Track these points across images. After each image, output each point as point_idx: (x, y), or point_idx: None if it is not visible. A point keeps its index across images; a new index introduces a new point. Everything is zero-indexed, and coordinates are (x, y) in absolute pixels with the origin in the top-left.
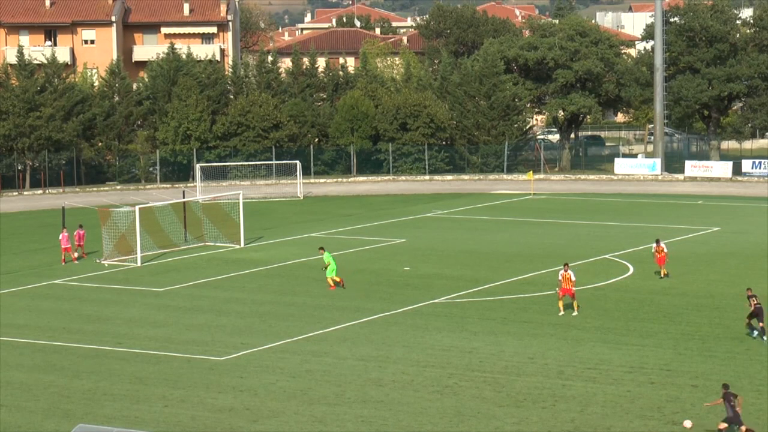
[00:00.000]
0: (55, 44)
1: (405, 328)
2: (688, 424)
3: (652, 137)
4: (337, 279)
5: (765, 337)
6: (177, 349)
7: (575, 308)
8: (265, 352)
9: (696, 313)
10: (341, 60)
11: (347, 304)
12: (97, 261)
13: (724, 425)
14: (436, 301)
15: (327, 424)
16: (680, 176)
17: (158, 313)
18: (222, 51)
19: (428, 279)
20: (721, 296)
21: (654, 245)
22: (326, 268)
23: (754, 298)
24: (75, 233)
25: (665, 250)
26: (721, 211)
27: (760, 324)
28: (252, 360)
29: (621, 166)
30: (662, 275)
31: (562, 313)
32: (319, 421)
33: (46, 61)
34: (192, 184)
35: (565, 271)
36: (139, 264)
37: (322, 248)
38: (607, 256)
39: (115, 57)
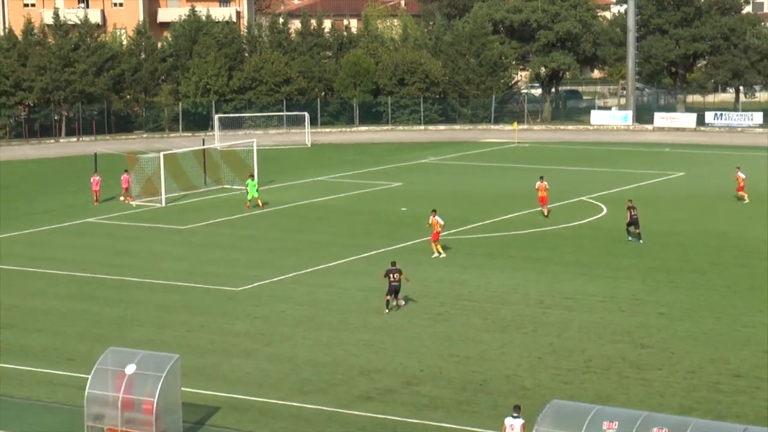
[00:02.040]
0: (88, 6)
1: (402, 262)
2: None
3: (625, 91)
4: (257, 202)
5: (641, 240)
6: (197, 280)
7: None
8: (276, 284)
9: (662, 249)
10: (345, 22)
11: (350, 241)
12: (129, 202)
13: (388, 297)
14: (429, 238)
15: (332, 347)
16: (650, 127)
17: (180, 248)
18: (238, 13)
19: (422, 219)
20: (684, 234)
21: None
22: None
23: (632, 209)
24: (122, 177)
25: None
26: (686, 158)
27: (637, 230)
28: (264, 290)
29: (596, 117)
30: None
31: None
32: (325, 344)
33: (79, 22)
34: (211, 133)
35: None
36: (163, 204)
37: (252, 175)
38: (583, 198)
39: (141, 18)
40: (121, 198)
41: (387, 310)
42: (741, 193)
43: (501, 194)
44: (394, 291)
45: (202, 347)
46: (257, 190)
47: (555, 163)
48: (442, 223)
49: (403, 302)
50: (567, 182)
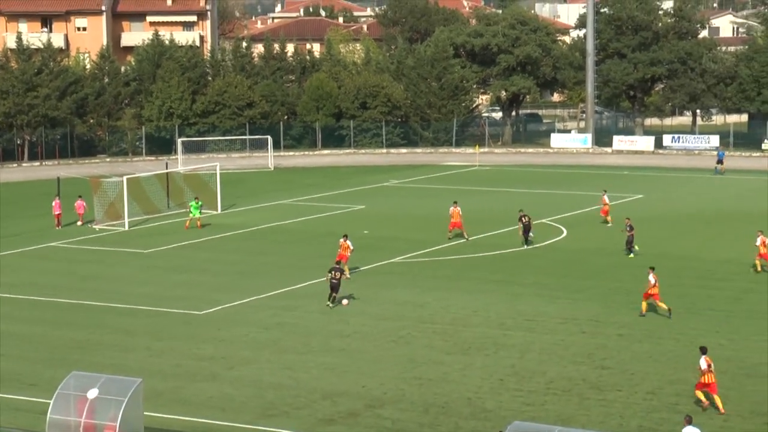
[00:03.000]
0: (51, 31)
1: (364, 285)
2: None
3: (584, 115)
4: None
5: (531, 245)
6: (161, 304)
7: None
8: (240, 307)
9: (622, 271)
10: (308, 46)
11: (313, 263)
12: (89, 226)
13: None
14: (391, 261)
15: (295, 370)
16: (609, 149)
17: (144, 272)
18: (201, 37)
19: (385, 241)
20: (643, 255)
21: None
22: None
23: (524, 217)
24: (76, 203)
25: None
26: (644, 181)
27: (530, 235)
28: (228, 314)
29: (556, 140)
30: None
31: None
32: (288, 368)
33: (42, 46)
34: (174, 157)
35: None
36: (126, 228)
37: (197, 198)
38: (544, 221)
39: (105, 43)
40: (79, 223)
41: (329, 304)
42: (605, 216)
43: (463, 217)
44: (333, 288)
45: (165, 371)
46: (200, 212)
47: (516, 185)
48: (351, 247)
49: (347, 301)
50: (527, 205)
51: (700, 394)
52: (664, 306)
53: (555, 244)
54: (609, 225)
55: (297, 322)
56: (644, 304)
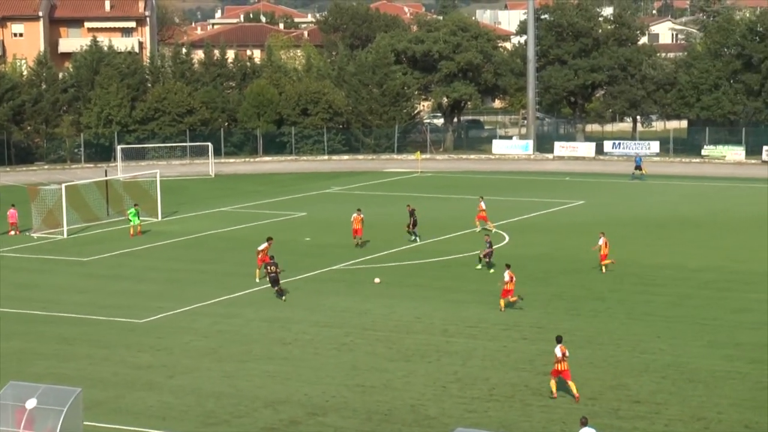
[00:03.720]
0: None
1: (306, 292)
2: (377, 280)
3: (526, 121)
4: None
5: (418, 239)
6: (100, 312)
7: None
8: (180, 315)
9: (564, 277)
10: (249, 52)
11: (253, 270)
12: (27, 234)
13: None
14: (333, 267)
15: (236, 378)
16: (550, 156)
17: (83, 280)
18: (140, 44)
19: (326, 248)
20: (584, 261)
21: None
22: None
23: (412, 213)
24: (9, 212)
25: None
26: (586, 187)
27: (414, 228)
28: (168, 322)
29: (498, 146)
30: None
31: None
32: (229, 376)
33: None
34: (113, 164)
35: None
36: (65, 236)
37: (136, 204)
38: (486, 227)
39: (42, 49)
40: (11, 233)
41: (282, 298)
42: (482, 221)
43: (404, 224)
44: (273, 281)
45: (104, 380)
46: (139, 219)
47: (458, 192)
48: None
49: (284, 299)
50: (470, 211)
51: (552, 383)
52: (515, 299)
53: (497, 250)
54: (477, 230)
55: (238, 329)
56: (502, 302)
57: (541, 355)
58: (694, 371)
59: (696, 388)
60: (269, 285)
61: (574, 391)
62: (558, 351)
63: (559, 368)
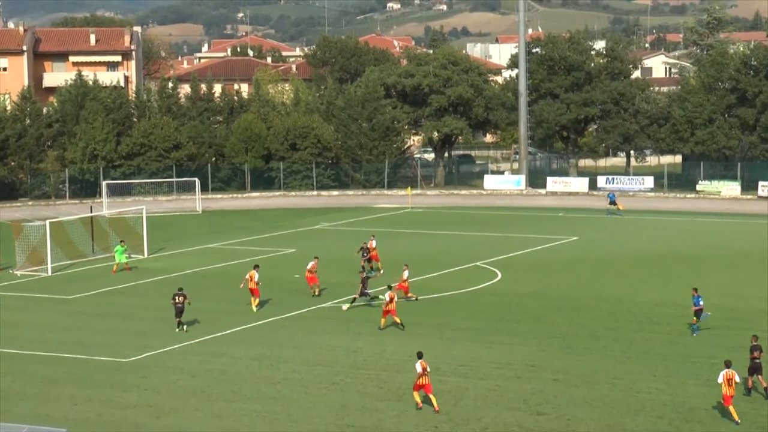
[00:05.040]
0: None
1: (295, 330)
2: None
3: (517, 156)
4: (124, 266)
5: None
6: (85, 351)
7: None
8: (166, 354)
9: (557, 314)
10: (236, 86)
11: (241, 308)
12: (10, 272)
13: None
14: (323, 305)
15: (224, 419)
16: (542, 191)
17: (68, 318)
18: (126, 78)
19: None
20: (579, 298)
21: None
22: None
23: (366, 251)
24: None
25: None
26: (579, 222)
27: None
28: (154, 361)
29: (490, 182)
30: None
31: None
32: (217, 416)
33: None
34: (99, 200)
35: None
36: (50, 273)
37: (122, 241)
38: (477, 263)
39: (26, 83)
40: None
41: (177, 329)
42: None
43: (395, 260)
44: (178, 312)
45: (89, 420)
46: (126, 257)
47: (449, 228)
48: (256, 279)
49: (186, 328)
50: (461, 247)
51: (416, 396)
52: (398, 320)
53: (489, 287)
54: (379, 272)
55: (226, 368)
56: (383, 321)
57: (535, 394)
58: (691, 411)
59: (693, 428)
60: (259, 321)
61: (435, 404)
62: (418, 367)
63: (421, 383)
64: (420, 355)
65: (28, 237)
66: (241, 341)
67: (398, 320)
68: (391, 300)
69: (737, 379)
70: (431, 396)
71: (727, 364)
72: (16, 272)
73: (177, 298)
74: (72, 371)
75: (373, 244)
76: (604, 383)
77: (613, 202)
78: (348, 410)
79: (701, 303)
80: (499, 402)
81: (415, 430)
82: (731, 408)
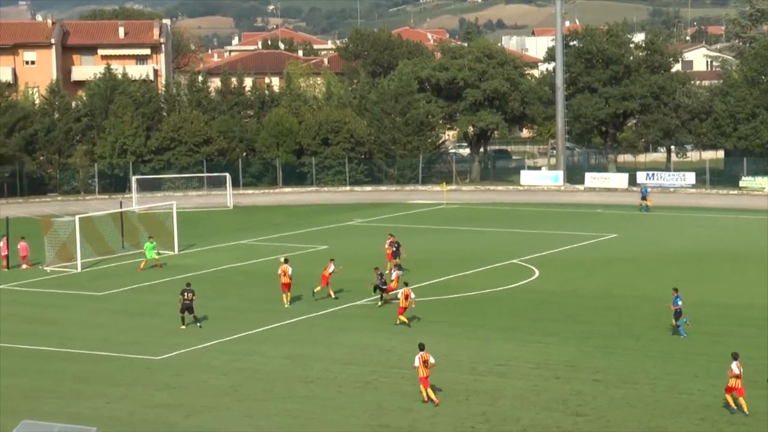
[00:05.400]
0: None
1: (328, 328)
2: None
3: (555, 151)
4: (154, 262)
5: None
6: (115, 349)
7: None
8: (197, 352)
9: (596, 313)
10: (267, 80)
11: (274, 306)
12: (40, 267)
13: (181, 314)
14: (357, 303)
15: (256, 418)
16: (581, 187)
17: (98, 315)
18: (155, 71)
19: (349, 283)
20: (618, 297)
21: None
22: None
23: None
24: (19, 245)
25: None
26: (618, 219)
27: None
28: (186, 359)
29: (526, 177)
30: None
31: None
32: (249, 415)
33: None
34: (128, 195)
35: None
36: (79, 270)
37: (151, 237)
38: (514, 261)
39: (54, 77)
40: (23, 266)
41: (183, 326)
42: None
43: (430, 257)
44: (186, 308)
45: (120, 419)
46: (156, 253)
47: (485, 224)
48: (290, 273)
49: (200, 325)
50: (497, 244)
51: (423, 391)
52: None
53: (527, 285)
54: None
55: (258, 367)
56: (399, 318)
57: (574, 395)
58: (735, 413)
59: (738, 430)
60: (292, 319)
61: (433, 397)
62: (417, 360)
63: (423, 375)
64: (422, 347)
65: (57, 233)
66: (273, 339)
67: (405, 318)
68: (406, 297)
69: (735, 371)
70: (429, 390)
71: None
72: (45, 268)
73: (186, 294)
74: (103, 369)
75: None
76: (644, 384)
77: (644, 197)
78: (382, 410)
79: (680, 303)
80: (537, 402)
81: (451, 430)
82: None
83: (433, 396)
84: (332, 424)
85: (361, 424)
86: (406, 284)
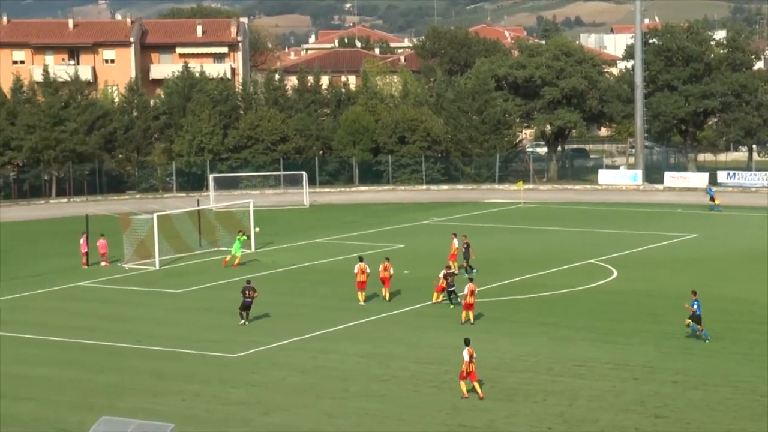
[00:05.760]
0: (78, 63)
1: (405, 327)
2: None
3: (634, 150)
4: (235, 260)
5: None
6: (193, 346)
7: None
8: (274, 350)
9: (676, 314)
10: (343, 78)
11: (351, 305)
12: (119, 265)
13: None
14: (434, 302)
15: (333, 416)
16: (660, 186)
17: (175, 313)
18: (233, 69)
19: (426, 282)
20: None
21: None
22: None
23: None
24: (99, 242)
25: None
26: (698, 219)
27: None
28: (263, 357)
29: (604, 176)
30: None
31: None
32: (326, 414)
33: (69, 79)
34: (206, 193)
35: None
36: (157, 267)
37: (241, 231)
38: (592, 261)
39: (133, 75)
40: (102, 264)
41: (242, 322)
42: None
43: (507, 257)
44: (246, 306)
45: (197, 416)
46: (241, 250)
47: (562, 224)
48: (368, 271)
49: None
50: (575, 244)
51: (462, 385)
52: (471, 315)
53: (605, 285)
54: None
55: (335, 365)
56: (464, 314)
57: (653, 396)
58: None
59: None
60: (369, 317)
61: (479, 391)
62: (466, 354)
63: (467, 370)
64: (467, 342)
65: (135, 230)
66: (350, 338)
67: (471, 316)
68: (471, 293)
69: None
70: (475, 383)
71: None
72: (124, 266)
73: (247, 292)
74: (180, 366)
75: (456, 243)
76: (724, 386)
77: (711, 198)
78: (458, 410)
79: (695, 307)
80: (615, 404)
81: (528, 431)
82: None
83: (479, 389)
84: (408, 423)
85: (437, 423)
86: (471, 280)
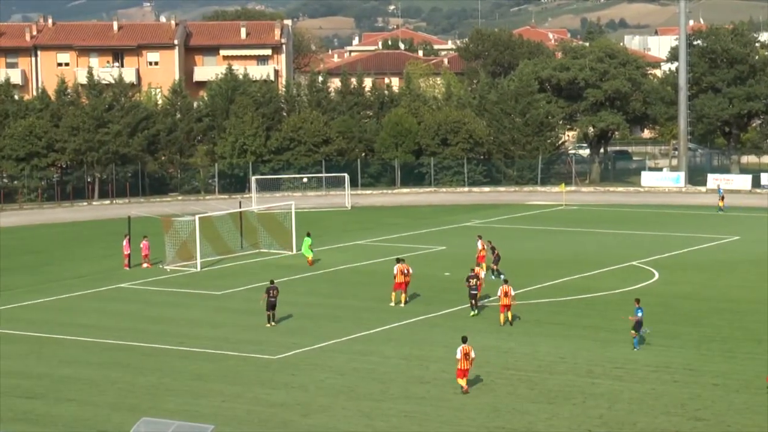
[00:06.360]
0: (122, 65)
1: (445, 329)
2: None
3: (677, 152)
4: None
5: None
6: (234, 348)
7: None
8: (314, 352)
9: (717, 317)
10: (386, 80)
11: (390, 307)
12: (161, 266)
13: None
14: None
15: (372, 418)
16: (703, 188)
17: (216, 314)
18: (276, 72)
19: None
20: (740, 301)
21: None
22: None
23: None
24: (142, 244)
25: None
26: (741, 221)
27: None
28: (303, 359)
29: (647, 178)
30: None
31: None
32: (366, 415)
33: (113, 81)
34: (248, 195)
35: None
36: (198, 269)
37: (308, 233)
38: (633, 263)
39: (177, 77)
40: (144, 265)
41: (269, 324)
42: (483, 264)
43: (548, 259)
44: (271, 306)
45: (238, 418)
46: (310, 249)
47: (604, 226)
48: (406, 271)
49: (274, 324)
50: (616, 246)
51: (460, 382)
52: (510, 316)
53: (646, 288)
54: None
55: (374, 367)
56: (502, 317)
57: (693, 399)
58: None
59: None
60: (409, 319)
61: (463, 383)
62: (458, 352)
63: (462, 368)
64: (464, 340)
65: (177, 232)
66: (390, 339)
67: (510, 316)
68: (506, 294)
69: None
70: (463, 379)
71: None
72: (165, 267)
73: (272, 292)
74: (221, 368)
75: (480, 245)
76: (765, 390)
77: (722, 198)
78: (498, 412)
79: (639, 315)
80: (655, 406)
81: None
82: None
83: (463, 383)
84: (448, 425)
85: (476, 426)
86: (506, 282)
